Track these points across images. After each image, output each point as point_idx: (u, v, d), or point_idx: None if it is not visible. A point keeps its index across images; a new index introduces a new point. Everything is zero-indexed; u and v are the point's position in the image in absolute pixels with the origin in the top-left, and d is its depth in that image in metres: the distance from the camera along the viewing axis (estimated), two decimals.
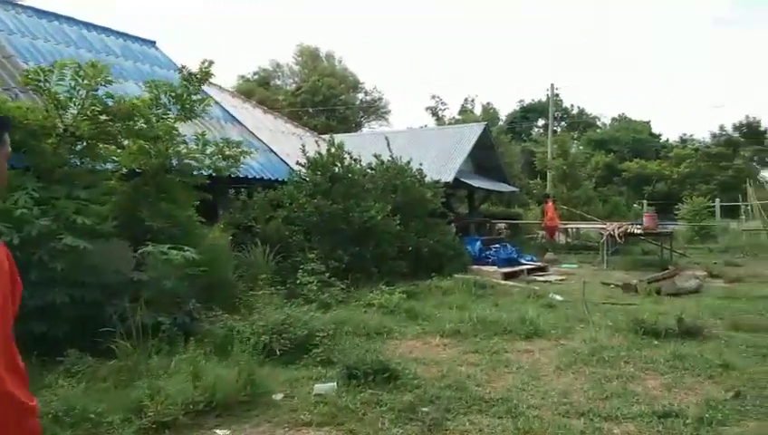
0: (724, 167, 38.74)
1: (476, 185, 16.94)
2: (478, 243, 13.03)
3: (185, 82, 6.89)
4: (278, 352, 5.32)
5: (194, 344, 4.93)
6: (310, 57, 49.12)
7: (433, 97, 35.39)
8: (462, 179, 16.56)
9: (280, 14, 75.65)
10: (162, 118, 6.67)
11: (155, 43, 12.20)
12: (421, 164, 13.29)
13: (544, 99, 50.31)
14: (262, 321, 5.69)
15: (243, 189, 10.02)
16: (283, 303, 6.87)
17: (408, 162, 13.24)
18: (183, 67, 7.45)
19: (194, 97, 6.96)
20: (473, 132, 18.27)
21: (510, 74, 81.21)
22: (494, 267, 12.05)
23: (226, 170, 7.62)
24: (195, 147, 7.08)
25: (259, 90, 45.95)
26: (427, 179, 13.28)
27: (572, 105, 52.75)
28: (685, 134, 46.93)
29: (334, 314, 6.89)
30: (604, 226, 15.94)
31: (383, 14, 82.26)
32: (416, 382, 4.78)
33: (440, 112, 42.08)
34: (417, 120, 65.86)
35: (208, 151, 7.13)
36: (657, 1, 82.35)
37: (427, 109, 37.21)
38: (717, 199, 19.20)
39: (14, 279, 1.31)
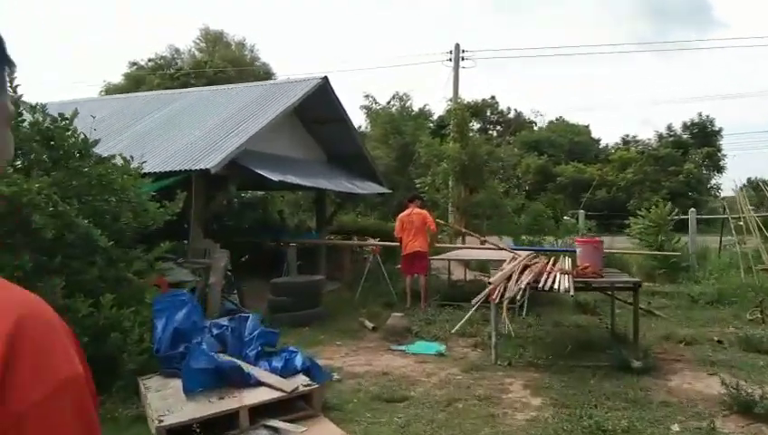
0: (673, 172, 32.72)
1: (278, 179, 9.05)
2: (182, 313, 5.17)
3: None
4: None
5: None
6: (213, 42, 41.57)
7: (366, 96, 28.69)
8: (253, 168, 8.78)
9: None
10: None
11: None
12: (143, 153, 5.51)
13: (480, 100, 44.14)
14: None
15: None
16: None
17: (61, 121, 5.59)
18: None
19: None
20: (294, 91, 10.56)
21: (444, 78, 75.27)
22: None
23: None
24: None
25: (150, 78, 38.05)
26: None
27: (509, 108, 46.34)
28: (627, 135, 41.01)
29: None
30: (498, 250, 8.65)
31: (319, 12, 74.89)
32: None
33: (374, 111, 34.77)
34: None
35: None
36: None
37: (361, 108, 30.39)
38: (692, 211, 12.11)
39: None
